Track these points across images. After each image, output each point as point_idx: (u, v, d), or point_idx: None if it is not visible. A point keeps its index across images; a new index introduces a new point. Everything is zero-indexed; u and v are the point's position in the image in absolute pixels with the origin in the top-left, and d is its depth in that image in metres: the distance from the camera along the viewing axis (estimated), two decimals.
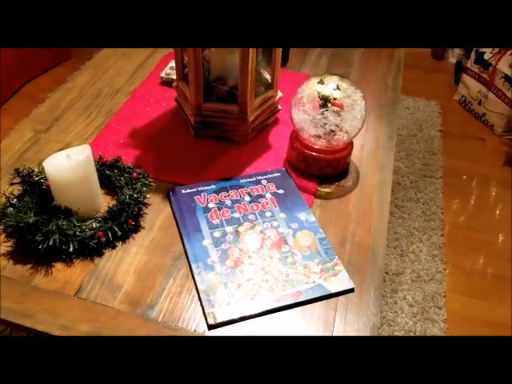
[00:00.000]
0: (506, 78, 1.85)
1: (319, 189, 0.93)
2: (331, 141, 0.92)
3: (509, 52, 1.84)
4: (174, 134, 1.03)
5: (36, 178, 0.85)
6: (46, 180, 0.84)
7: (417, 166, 1.79)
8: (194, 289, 0.75)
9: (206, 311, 0.71)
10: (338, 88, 0.91)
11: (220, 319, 0.70)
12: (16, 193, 0.84)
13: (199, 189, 0.90)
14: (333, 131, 0.91)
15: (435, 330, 1.28)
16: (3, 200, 0.83)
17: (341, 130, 0.91)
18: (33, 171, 0.86)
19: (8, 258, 0.78)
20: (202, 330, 0.70)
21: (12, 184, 0.84)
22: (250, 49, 0.88)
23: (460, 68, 2.25)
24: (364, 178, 0.95)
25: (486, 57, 1.93)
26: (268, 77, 1.03)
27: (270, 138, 1.03)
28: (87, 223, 0.80)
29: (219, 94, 0.99)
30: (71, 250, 0.77)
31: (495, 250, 1.58)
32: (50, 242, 0.75)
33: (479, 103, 2.01)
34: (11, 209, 0.81)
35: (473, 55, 2.01)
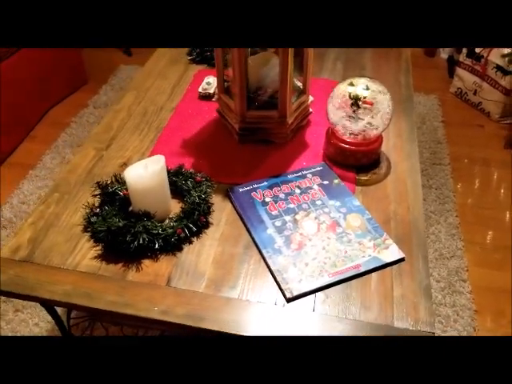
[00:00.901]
0: (498, 67, 2.00)
1: (358, 177, 1.05)
2: (364, 135, 1.05)
3: None
4: (220, 141, 1.15)
5: (112, 189, 0.97)
6: (122, 189, 0.96)
7: (425, 155, 1.92)
8: (267, 271, 0.87)
9: (282, 287, 0.83)
10: (367, 88, 1.03)
11: (296, 293, 0.82)
12: (96, 204, 0.96)
13: (254, 186, 1.02)
14: (365, 126, 1.04)
15: (463, 301, 1.41)
16: (87, 210, 0.94)
17: (372, 125, 1.04)
18: (110, 183, 0.97)
19: (101, 259, 0.89)
20: (282, 303, 0.82)
21: (94, 196, 0.96)
22: (289, 59, 1.00)
23: (452, 62, 2.39)
24: (395, 165, 1.08)
25: (477, 50, 2.08)
26: (299, 84, 1.15)
27: (306, 138, 1.15)
28: (166, 223, 0.92)
29: (259, 102, 1.12)
30: (157, 246, 0.88)
31: (504, 224, 1.71)
32: (140, 241, 0.87)
33: (475, 93, 2.15)
34: (95, 217, 0.93)
35: (464, 50, 2.16)
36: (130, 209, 0.95)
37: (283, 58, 1.00)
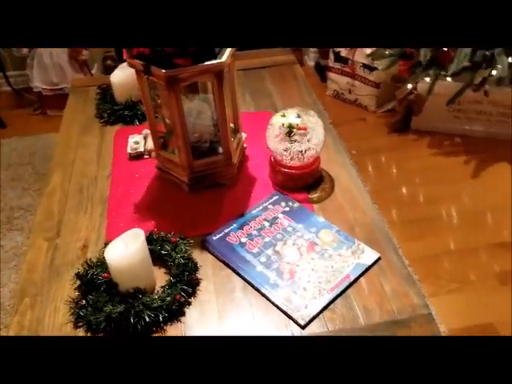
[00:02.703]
0: (365, 65, 2.27)
1: (310, 197, 1.14)
2: (305, 157, 1.14)
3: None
4: (170, 196, 1.16)
5: (90, 276, 0.93)
6: (101, 274, 0.93)
7: None
8: (271, 306, 0.91)
9: (294, 317, 0.88)
10: (298, 116, 1.13)
11: (307, 318, 0.87)
12: (73, 296, 0.91)
13: (226, 231, 1.05)
14: (304, 150, 1.13)
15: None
16: (70, 306, 0.89)
17: (310, 148, 1.14)
18: (84, 270, 0.93)
19: None
20: (297, 330, 0.87)
21: (78, 289, 0.91)
22: (225, 102, 1.06)
23: (321, 68, 2.65)
24: (336, 177, 1.19)
25: (343, 54, 2.34)
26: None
27: (250, 172, 1.22)
28: (161, 294, 0.91)
29: (201, 150, 1.15)
30: (161, 319, 0.87)
31: (408, 199, 1.96)
32: (146, 319, 0.85)
33: (349, 92, 2.41)
34: (84, 310, 0.88)
35: (331, 55, 2.41)
36: (114, 290, 0.92)
37: (219, 101, 1.05)
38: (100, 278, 0.92)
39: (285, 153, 1.13)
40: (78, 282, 0.92)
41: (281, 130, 1.13)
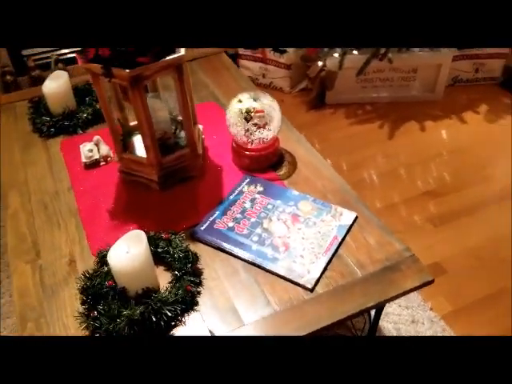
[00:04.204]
0: (274, 49, 2.38)
1: (278, 174, 1.21)
2: (266, 138, 1.20)
3: None
4: (142, 197, 1.15)
5: (95, 287, 0.91)
6: (105, 281, 0.91)
7: None
8: (276, 277, 0.96)
9: (301, 283, 0.94)
10: (254, 100, 1.18)
11: (313, 281, 0.94)
12: (79, 309, 0.89)
13: (211, 219, 1.08)
14: (265, 131, 1.19)
15: None
16: (79, 321, 0.87)
17: (269, 129, 1.20)
18: (85, 283, 0.91)
19: None
20: (307, 294, 0.93)
21: (86, 303, 0.89)
22: (188, 97, 1.08)
23: (231, 56, 2.70)
24: (295, 152, 1.27)
25: None
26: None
27: (214, 161, 1.25)
28: (171, 289, 0.92)
29: (166, 147, 1.16)
30: (179, 312, 0.89)
31: (334, 168, 2.11)
32: (169, 314, 0.86)
33: (263, 76, 2.50)
34: (98, 321, 0.87)
35: None
36: (123, 295, 0.91)
37: (182, 95, 1.07)
38: (105, 286, 0.91)
39: (247, 137, 1.18)
40: (81, 296, 0.90)
41: (240, 116, 1.18)
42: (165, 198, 1.15)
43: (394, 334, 1.44)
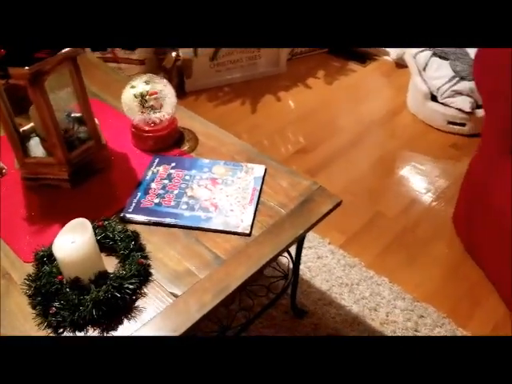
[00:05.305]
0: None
1: (184, 149, 1.28)
2: (164, 117, 1.26)
3: None
4: (55, 198, 1.13)
5: (44, 288, 0.89)
6: (53, 277, 0.90)
7: None
8: (216, 234, 1.05)
9: (239, 231, 1.05)
10: (146, 83, 1.23)
11: (249, 227, 1.05)
12: (31, 315, 0.87)
13: (135, 201, 1.11)
14: (163, 111, 1.25)
15: None
16: (37, 322, 0.86)
17: (167, 108, 1.26)
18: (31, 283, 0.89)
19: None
20: (246, 239, 1.04)
21: (38, 305, 0.87)
22: (84, 88, 1.09)
23: None
24: (193, 128, 1.35)
25: None
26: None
27: (118, 150, 1.26)
28: (124, 266, 0.94)
29: (70, 143, 1.14)
30: (139, 285, 0.92)
31: None
32: (131, 287, 0.89)
33: None
34: (59, 317, 0.86)
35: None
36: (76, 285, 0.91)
37: (80, 87, 1.09)
38: (55, 282, 0.90)
39: (147, 120, 1.23)
40: (30, 301, 0.88)
41: (135, 101, 1.22)
42: (79, 195, 1.14)
43: (307, 272, 1.63)
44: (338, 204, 1.13)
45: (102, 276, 0.92)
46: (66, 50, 0.99)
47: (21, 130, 1.16)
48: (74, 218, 1.01)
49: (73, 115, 1.20)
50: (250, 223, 1.07)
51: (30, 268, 0.96)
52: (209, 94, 2.53)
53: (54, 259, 0.93)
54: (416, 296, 1.56)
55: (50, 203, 1.12)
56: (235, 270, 0.98)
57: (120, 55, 2.42)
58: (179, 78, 2.46)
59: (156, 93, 1.25)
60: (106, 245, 1.00)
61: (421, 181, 2.03)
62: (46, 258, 0.94)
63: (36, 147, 1.16)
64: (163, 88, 1.26)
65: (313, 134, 2.29)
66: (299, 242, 1.28)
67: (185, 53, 2.33)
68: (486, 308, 1.54)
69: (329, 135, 2.29)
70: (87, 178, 1.17)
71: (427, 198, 1.94)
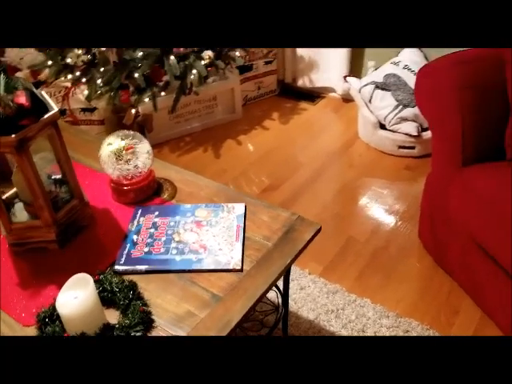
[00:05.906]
0: (83, 109, 2.43)
1: (164, 198, 1.33)
2: (145, 168, 1.31)
3: None
4: (43, 259, 1.14)
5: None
6: (61, 332, 0.91)
7: None
8: (209, 274, 1.09)
9: (230, 268, 1.09)
10: (122, 139, 1.28)
11: (239, 263, 1.10)
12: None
13: (125, 253, 1.14)
14: (141, 163, 1.30)
15: None
16: None
17: (143, 163, 1.31)
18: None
19: None
20: (239, 274, 1.09)
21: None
22: (65, 150, 1.13)
23: None
24: (169, 177, 1.40)
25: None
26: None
27: (98, 206, 1.29)
28: (128, 316, 0.96)
29: (54, 204, 1.17)
30: (141, 333, 0.94)
31: None
32: (139, 335, 0.91)
33: None
34: None
35: None
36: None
37: (62, 148, 1.12)
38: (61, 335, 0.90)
39: (125, 174, 1.28)
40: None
41: (113, 157, 1.27)
42: (67, 254, 1.16)
43: (293, 304, 1.68)
44: (319, 230, 1.20)
45: (107, 328, 0.93)
46: (48, 115, 1.04)
47: (3, 197, 1.17)
48: (68, 276, 1.03)
49: (53, 177, 1.23)
50: (240, 259, 1.12)
51: (29, 331, 0.96)
52: (171, 145, 2.60)
53: (56, 318, 0.95)
54: (399, 312, 1.64)
55: (41, 265, 1.13)
56: (234, 304, 1.02)
57: (79, 117, 2.47)
58: (140, 133, 2.51)
59: (132, 147, 1.30)
60: (104, 298, 1.02)
61: (383, 203, 2.15)
62: (47, 319, 0.95)
63: (20, 212, 1.17)
64: (137, 141, 1.32)
65: (276, 172, 2.39)
66: (286, 272, 1.34)
67: (144, 108, 2.41)
68: (464, 314, 1.63)
69: (291, 172, 2.40)
70: (73, 236, 1.19)
71: (392, 218, 2.06)
